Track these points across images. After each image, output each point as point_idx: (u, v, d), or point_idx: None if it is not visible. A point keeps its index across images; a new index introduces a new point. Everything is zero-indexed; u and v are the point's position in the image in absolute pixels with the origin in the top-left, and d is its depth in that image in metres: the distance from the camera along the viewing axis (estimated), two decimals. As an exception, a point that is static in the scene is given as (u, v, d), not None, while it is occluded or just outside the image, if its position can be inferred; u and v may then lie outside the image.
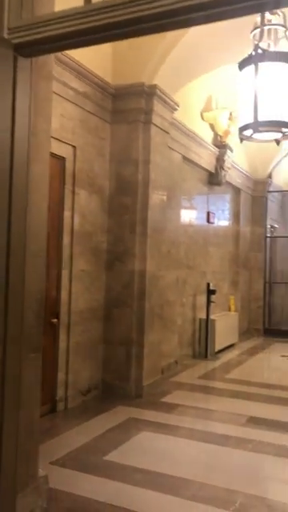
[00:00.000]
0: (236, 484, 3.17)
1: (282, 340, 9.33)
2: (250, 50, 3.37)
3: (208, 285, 7.39)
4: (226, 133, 7.46)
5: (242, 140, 3.56)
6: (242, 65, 3.41)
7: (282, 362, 7.59)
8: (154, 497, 2.97)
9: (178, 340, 6.46)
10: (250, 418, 4.57)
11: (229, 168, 7.79)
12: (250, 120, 3.28)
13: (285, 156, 10.06)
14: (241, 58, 3.43)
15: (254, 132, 3.37)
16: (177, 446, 3.88)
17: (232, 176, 8.37)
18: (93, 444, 3.79)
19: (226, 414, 4.70)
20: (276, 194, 11.11)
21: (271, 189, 10.45)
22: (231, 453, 3.76)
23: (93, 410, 4.59)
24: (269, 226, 10.60)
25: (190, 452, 3.77)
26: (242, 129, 3.41)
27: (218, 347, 7.46)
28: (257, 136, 3.47)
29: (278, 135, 3.46)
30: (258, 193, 10.13)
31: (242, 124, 3.41)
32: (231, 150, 7.66)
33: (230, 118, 7.37)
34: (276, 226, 11.30)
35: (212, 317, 7.34)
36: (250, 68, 3.33)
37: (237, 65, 3.55)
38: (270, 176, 10.11)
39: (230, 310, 8.69)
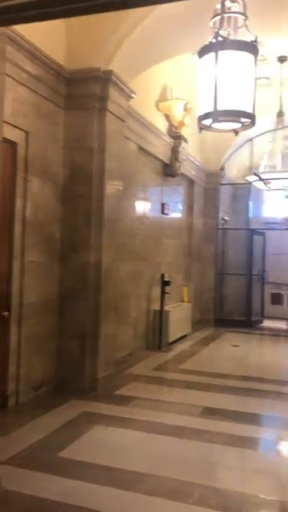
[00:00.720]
0: (193, 476, 3.16)
1: (233, 330, 9.53)
2: (209, 38, 3.31)
3: (162, 276, 7.38)
4: (181, 124, 7.44)
5: (200, 129, 3.50)
6: (202, 52, 3.33)
7: (233, 351, 7.73)
8: (112, 493, 2.90)
9: (132, 332, 6.40)
10: (205, 408, 4.59)
11: (183, 159, 7.78)
12: (210, 109, 3.22)
13: (237, 149, 10.21)
14: (199, 47, 3.36)
15: (214, 121, 3.32)
16: (132, 439, 3.83)
17: (186, 168, 8.37)
18: (47, 440, 3.66)
19: (180, 406, 4.70)
20: (228, 186, 11.26)
21: (223, 181, 10.58)
22: (187, 444, 3.76)
23: (46, 405, 4.45)
24: (220, 218, 10.73)
25: (146, 445, 3.73)
26: (202, 118, 3.34)
27: (171, 338, 7.49)
28: (216, 125, 3.42)
29: (238, 125, 3.43)
30: (210, 185, 10.22)
31: (201, 113, 3.34)
32: (186, 141, 7.65)
33: (184, 109, 7.35)
34: (227, 218, 11.47)
35: (166, 308, 7.35)
36: (210, 56, 3.27)
37: (193, 54, 3.48)
38: (222, 168, 10.23)
39: (183, 300, 8.74)
